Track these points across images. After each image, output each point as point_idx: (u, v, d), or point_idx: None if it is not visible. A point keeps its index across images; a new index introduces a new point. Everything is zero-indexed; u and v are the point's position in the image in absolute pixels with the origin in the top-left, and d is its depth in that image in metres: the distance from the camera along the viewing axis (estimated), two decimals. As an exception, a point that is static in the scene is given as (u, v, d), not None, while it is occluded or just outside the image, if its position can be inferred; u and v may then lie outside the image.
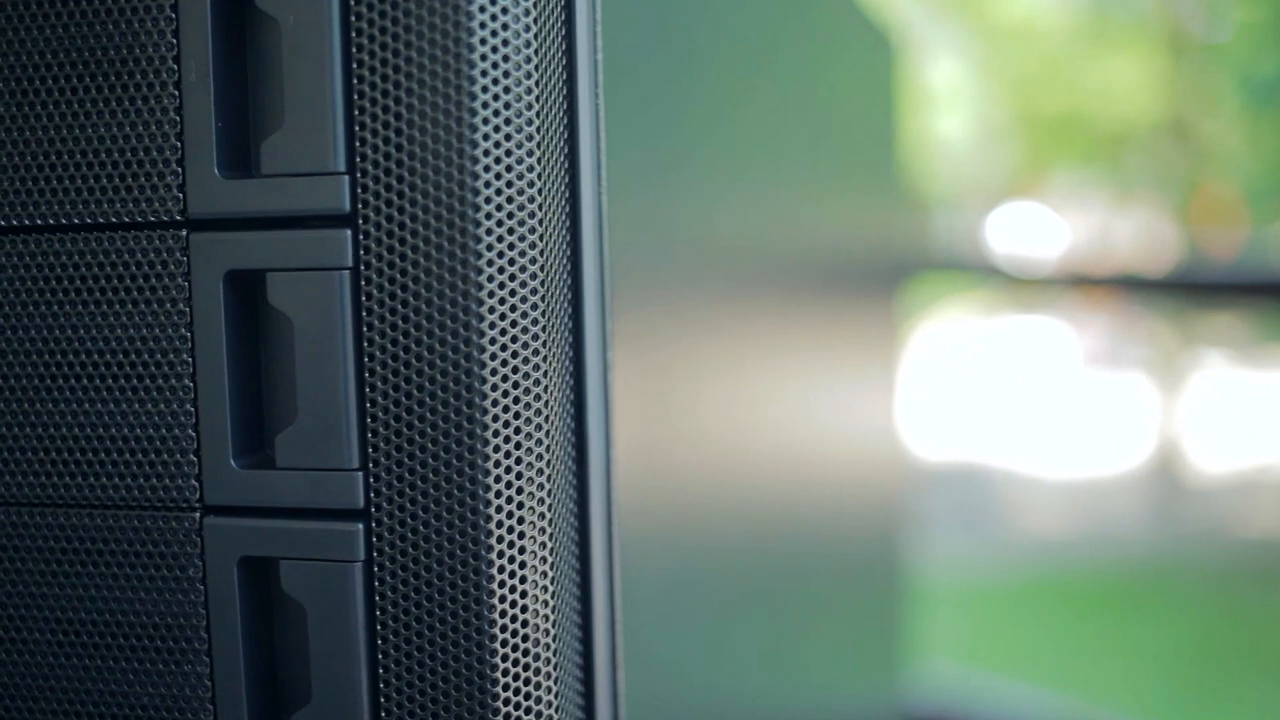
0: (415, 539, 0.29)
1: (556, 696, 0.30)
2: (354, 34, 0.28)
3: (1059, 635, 2.72)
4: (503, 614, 0.29)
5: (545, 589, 0.29)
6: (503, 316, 0.28)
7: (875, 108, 0.66)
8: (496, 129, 0.28)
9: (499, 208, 0.28)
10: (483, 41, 0.28)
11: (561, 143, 0.30)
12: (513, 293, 0.28)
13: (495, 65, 0.28)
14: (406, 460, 0.29)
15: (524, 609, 0.29)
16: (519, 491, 0.29)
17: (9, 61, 0.30)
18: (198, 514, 0.30)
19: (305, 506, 0.29)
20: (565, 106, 0.30)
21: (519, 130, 0.28)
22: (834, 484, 0.58)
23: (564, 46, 0.30)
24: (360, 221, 0.29)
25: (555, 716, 0.30)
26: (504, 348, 0.28)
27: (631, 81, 0.33)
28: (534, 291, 0.29)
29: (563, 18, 0.30)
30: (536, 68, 0.29)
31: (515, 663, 0.29)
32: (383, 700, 0.29)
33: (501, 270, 0.28)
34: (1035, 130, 5.81)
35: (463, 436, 0.28)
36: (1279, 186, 5.37)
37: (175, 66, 0.29)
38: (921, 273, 1.86)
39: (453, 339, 0.28)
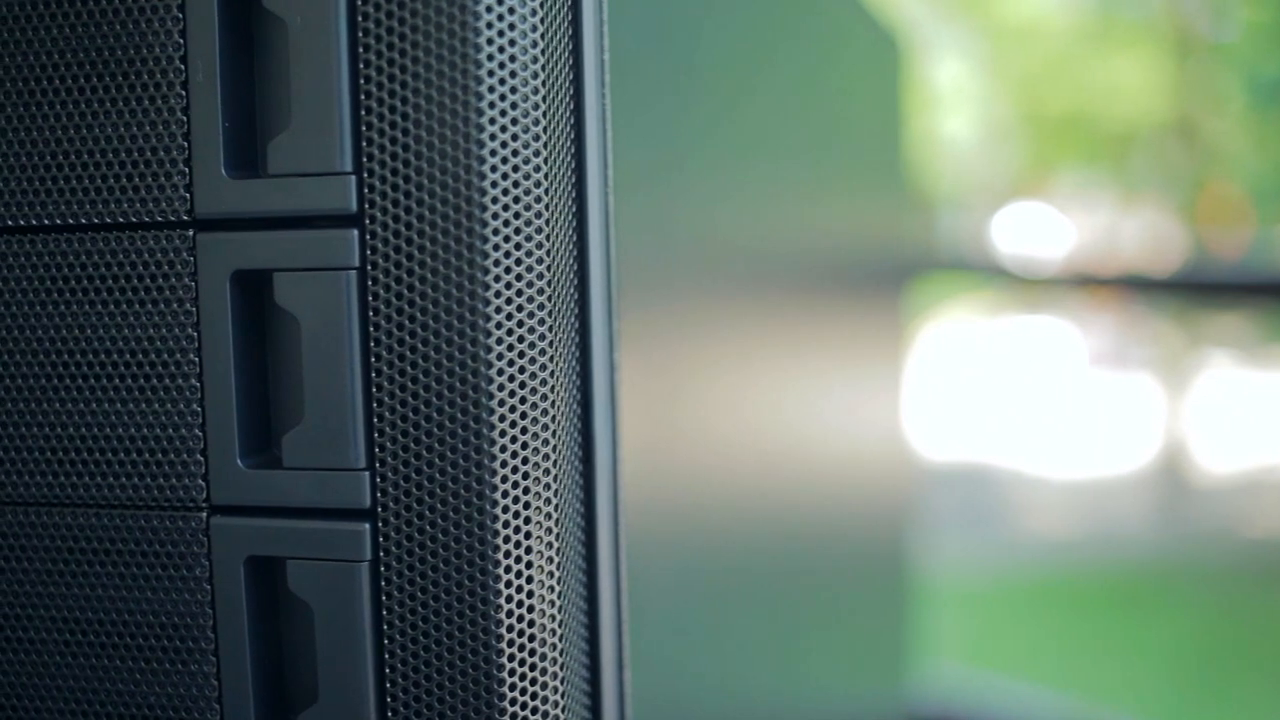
0: (422, 539, 0.29)
1: (562, 696, 0.30)
2: (361, 34, 0.28)
3: (1064, 635, 2.71)
4: (509, 614, 0.29)
5: (551, 589, 0.29)
6: (509, 316, 0.28)
7: (881, 107, 0.66)
8: (503, 129, 0.28)
9: (505, 208, 0.28)
10: (489, 41, 0.28)
11: (568, 142, 0.30)
12: (519, 293, 0.28)
13: (502, 65, 0.28)
14: (413, 460, 0.29)
15: (530, 609, 0.29)
16: (525, 491, 0.29)
17: (16, 61, 0.30)
18: (204, 514, 0.30)
19: (312, 506, 0.29)
20: (571, 106, 0.30)
21: (525, 130, 0.28)
22: (840, 484, 0.58)
23: (570, 46, 0.30)
24: (367, 221, 0.29)
25: (561, 716, 0.30)
26: (510, 348, 0.28)
27: (637, 81, 0.33)
28: (540, 291, 0.29)
29: (569, 18, 0.30)
30: (543, 68, 0.29)
31: (521, 662, 0.29)
32: (389, 700, 0.29)
33: (508, 270, 0.28)
34: (1041, 130, 5.81)
35: (469, 436, 0.28)
36: (1285, 186, 5.37)
37: (182, 66, 0.29)
38: (927, 272, 1.86)
39: (459, 339, 0.28)
